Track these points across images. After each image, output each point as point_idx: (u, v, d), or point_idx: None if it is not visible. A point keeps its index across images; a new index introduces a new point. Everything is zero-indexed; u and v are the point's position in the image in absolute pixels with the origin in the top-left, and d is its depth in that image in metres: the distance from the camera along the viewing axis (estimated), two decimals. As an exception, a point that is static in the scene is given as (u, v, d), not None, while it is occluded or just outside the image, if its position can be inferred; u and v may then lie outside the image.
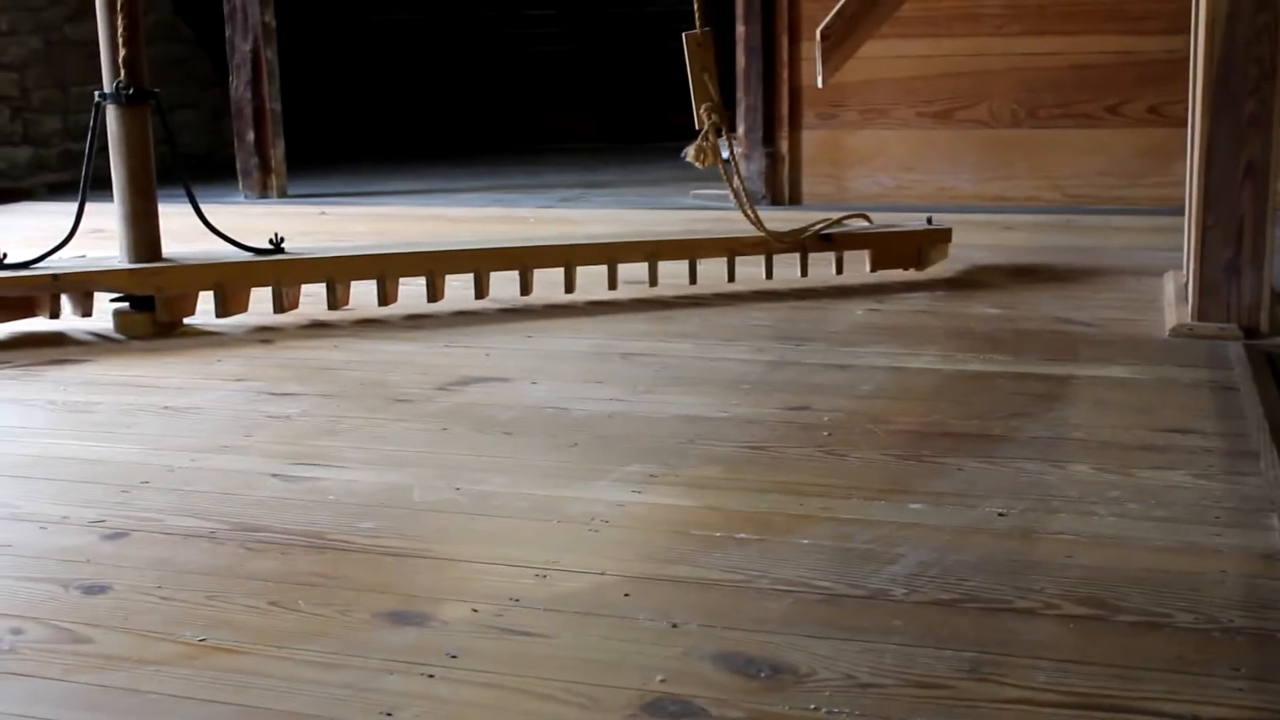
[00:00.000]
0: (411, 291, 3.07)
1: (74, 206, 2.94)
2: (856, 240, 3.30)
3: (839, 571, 1.55)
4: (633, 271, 3.18)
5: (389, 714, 1.25)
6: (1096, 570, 1.54)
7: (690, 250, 3.22)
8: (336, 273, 2.99)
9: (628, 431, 2.12)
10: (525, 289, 3.09)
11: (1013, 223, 4.26)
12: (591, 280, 3.17)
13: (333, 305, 2.99)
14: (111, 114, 2.91)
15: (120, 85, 2.88)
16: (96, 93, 2.92)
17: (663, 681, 1.30)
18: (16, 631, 1.44)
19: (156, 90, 2.96)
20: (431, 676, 1.32)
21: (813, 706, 1.25)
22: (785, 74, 4.77)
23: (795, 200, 4.84)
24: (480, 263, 3.08)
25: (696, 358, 2.58)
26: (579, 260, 3.13)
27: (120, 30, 2.86)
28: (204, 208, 3.01)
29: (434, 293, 3.03)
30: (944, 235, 3.36)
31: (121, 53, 2.86)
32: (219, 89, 6.81)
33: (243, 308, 2.98)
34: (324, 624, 1.45)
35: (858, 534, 1.67)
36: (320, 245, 3.45)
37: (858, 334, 2.76)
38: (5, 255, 2.86)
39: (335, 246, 3.37)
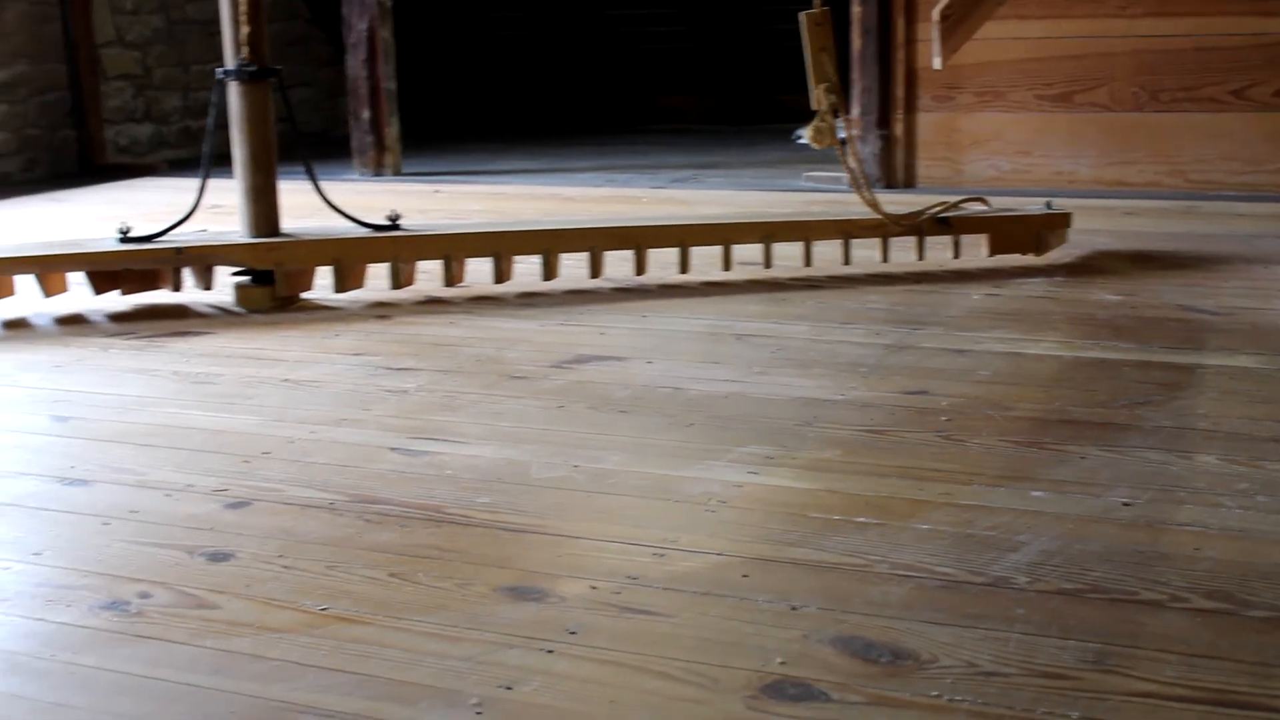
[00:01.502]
0: (526, 269, 3.08)
1: (194, 182, 2.99)
2: (974, 224, 3.25)
3: (960, 558, 1.53)
4: (747, 253, 3.17)
5: (509, 687, 1.25)
6: (1225, 563, 1.51)
7: (805, 232, 3.19)
8: (453, 249, 3.00)
9: (744, 412, 2.11)
10: (640, 269, 3.09)
11: (1134, 208, 4.18)
12: (705, 261, 3.16)
13: (448, 282, 3.01)
14: (233, 91, 2.94)
15: (242, 62, 2.91)
16: (219, 70, 2.95)
17: (782, 664, 1.29)
18: (144, 595, 1.47)
19: (278, 67, 2.99)
20: (551, 652, 1.32)
21: (935, 694, 1.23)
22: (901, 55, 4.71)
23: (909, 183, 4.79)
24: (595, 241, 3.08)
25: (812, 340, 2.56)
26: (693, 240, 3.12)
27: (242, 8, 2.89)
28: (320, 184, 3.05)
29: (549, 271, 3.04)
30: (1063, 220, 3.31)
31: (243, 30, 2.90)
32: (334, 67, 6.89)
33: (360, 283, 3.02)
34: (444, 597, 1.45)
35: (978, 520, 1.65)
36: (436, 222, 3.48)
37: (976, 319, 2.72)
38: (130, 229, 2.92)
39: (451, 224, 3.39)
